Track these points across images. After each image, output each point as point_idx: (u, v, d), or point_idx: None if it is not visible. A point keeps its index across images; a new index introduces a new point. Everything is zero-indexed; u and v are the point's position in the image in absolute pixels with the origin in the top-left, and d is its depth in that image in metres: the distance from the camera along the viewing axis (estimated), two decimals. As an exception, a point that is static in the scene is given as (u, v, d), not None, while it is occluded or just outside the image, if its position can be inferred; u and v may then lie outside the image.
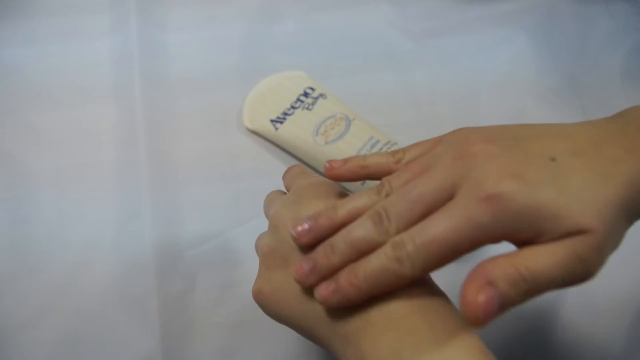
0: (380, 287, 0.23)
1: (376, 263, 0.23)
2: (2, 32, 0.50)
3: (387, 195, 0.25)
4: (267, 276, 0.27)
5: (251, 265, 0.35)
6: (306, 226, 0.25)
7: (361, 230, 0.24)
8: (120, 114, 0.46)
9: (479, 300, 0.20)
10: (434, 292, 0.24)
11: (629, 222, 0.22)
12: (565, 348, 0.38)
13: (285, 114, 0.45)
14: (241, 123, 0.46)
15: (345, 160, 0.28)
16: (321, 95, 0.46)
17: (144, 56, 0.48)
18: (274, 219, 0.28)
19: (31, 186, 0.43)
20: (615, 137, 0.23)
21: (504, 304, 0.21)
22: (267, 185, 0.33)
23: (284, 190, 0.32)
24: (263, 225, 0.30)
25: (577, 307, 0.39)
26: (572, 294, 0.39)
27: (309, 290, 0.25)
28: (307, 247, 0.26)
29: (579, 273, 0.21)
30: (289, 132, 0.44)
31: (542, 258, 0.21)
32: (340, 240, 0.24)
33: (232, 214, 0.42)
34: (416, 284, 0.24)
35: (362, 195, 0.26)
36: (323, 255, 0.24)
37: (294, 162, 0.45)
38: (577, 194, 0.21)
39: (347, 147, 0.42)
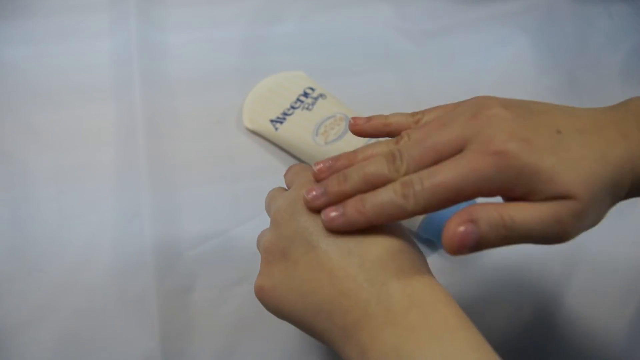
0: (383, 218, 0.25)
1: (384, 195, 0.25)
2: (2, 32, 0.50)
3: None
4: (268, 272, 0.27)
5: (251, 265, 0.35)
6: (328, 164, 0.28)
7: (374, 166, 0.26)
8: (120, 114, 0.46)
9: (458, 230, 0.23)
10: (434, 285, 0.25)
11: (613, 200, 0.25)
12: (565, 341, 0.38)
13: (285, 114, 0.45)
14: (241, 123, 0.46)
15: (369, 118, 0.31)
16: (321, 95, 0.46)
17: (143, 56, 0.48)
18: (275, 215, 0.28)
19: (31, 186, 0.43)
20: (615, 123, 0.25)
21: (480, 242, 0.23)
22: (266, 185, 0.33)
23: (286, 187, 0.32)
24: (263, 225, 0.30)
25: (578, 300, 0.39)
26: (574, 286, 0.40)
27: (308, 284, 0.25)
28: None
29: (555, 233, 0.23)
30: (288, 132, 0.44)
31: (526, 212, 0.23)
32: (354, 172, 0.27)
33: (231, 214, 0.42)
34: (416, 277, 0.24)
35: (381, 144, 0.28)
36: (336, 182, 0.27)
37: (293, 162, 0.45)
38: (573, 164, 0.23)
39: (347, 147, 0.42)
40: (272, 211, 0.29)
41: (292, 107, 0.45)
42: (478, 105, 0.26)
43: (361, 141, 0.42)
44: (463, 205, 0.25)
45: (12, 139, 0.45)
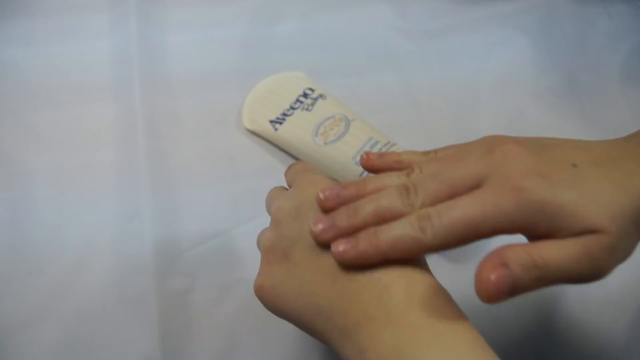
0: (399, 252, 0.24)
1: (400, 228, 0.24)
2: (2, 32, 0.50)
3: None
4: (268, 271, 0.27)
5: (251, 265, 0.35)
6: (335, 191, 0.26)
7: (387, 199, 0.25)
8: (120, 114, 0.46)
9: (492, 277, 0.21)
10: (435, 287, 0.25)
11: (638, 230, 0.23)
12: (565, 344, 0.38)
13: (284, 114, 0.45)
14: (240, 123, 0.46)
15: (381, 154, 0.30)
16: (320, 95, 0.46)
17: (143, 56, 0.48)
18: (276, 214, 0.28)
19: (31, 186, 0.43)
20: (629, 153, 0.25)
21: (516, 286, 0.22)
22: (266, 185, 0.33)
23: (286, 186, 0.32)
24: (263, 225, 0.30)
25: (577, 303, 0.39)
26: (571, 291, 0.39)
27: (309, 285, 0.25)
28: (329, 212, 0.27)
29: (590, 270, 0.22)
30: (288, 132, 0.44)
31: (556, 250, 0.22)
32: (365, 205, 0.25)
33: (231, 214, 0.42)
34: (416, 279, 0.24)
35: (391, 175, 0.27)
36: (345, 215, 0.25)
37: (293, 162, 0.45)
38: (593, 197, 0.23)
39: (347, 148, 0.42)
40: (272, 210, 0.29)
41: (292, 108, 0.45)
42: (491, 142, 0.26)
43: (361, 142, 0.42)
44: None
45: (12, 139, 0.45)
